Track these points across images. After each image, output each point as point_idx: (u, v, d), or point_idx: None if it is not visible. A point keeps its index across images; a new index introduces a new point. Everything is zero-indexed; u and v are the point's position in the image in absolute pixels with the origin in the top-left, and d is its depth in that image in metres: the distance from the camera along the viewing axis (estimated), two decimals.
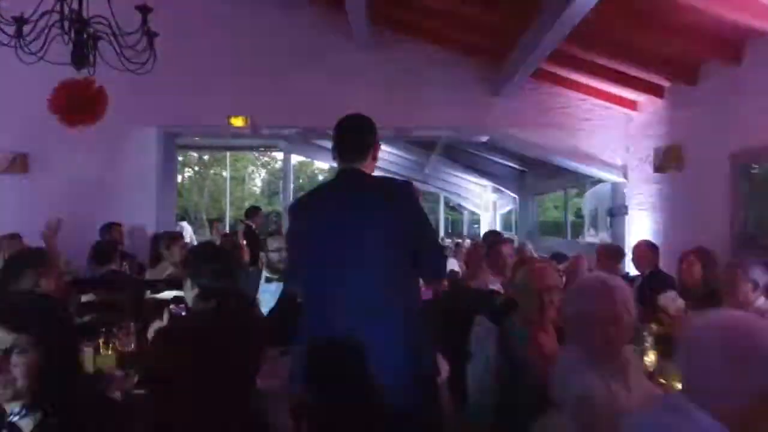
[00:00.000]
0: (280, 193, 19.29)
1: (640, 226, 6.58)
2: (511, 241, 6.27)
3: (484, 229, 17.44)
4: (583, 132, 6.92)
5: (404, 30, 6.80)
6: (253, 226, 7.48)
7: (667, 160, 5.66)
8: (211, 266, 2.27)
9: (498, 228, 16.80)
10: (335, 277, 2.15)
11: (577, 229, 16.59)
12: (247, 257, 5.93)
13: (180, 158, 23.69)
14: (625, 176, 6.91)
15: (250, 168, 28.48)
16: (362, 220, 2.15)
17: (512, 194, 13.28)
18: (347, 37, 6.57)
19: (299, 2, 6.91)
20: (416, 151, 13.12)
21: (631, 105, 6.62)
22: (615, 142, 6.91)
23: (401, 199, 2.22)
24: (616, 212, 7.14)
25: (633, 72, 5.91)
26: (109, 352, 2.77)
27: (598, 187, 9.38)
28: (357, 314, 2.08)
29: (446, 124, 6.93)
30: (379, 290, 2.12)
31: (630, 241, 6.88)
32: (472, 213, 18.70)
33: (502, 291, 3.94)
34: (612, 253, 5.30)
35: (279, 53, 6.86)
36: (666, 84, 5.85)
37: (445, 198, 18.71)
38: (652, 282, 4.63)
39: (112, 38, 3.93)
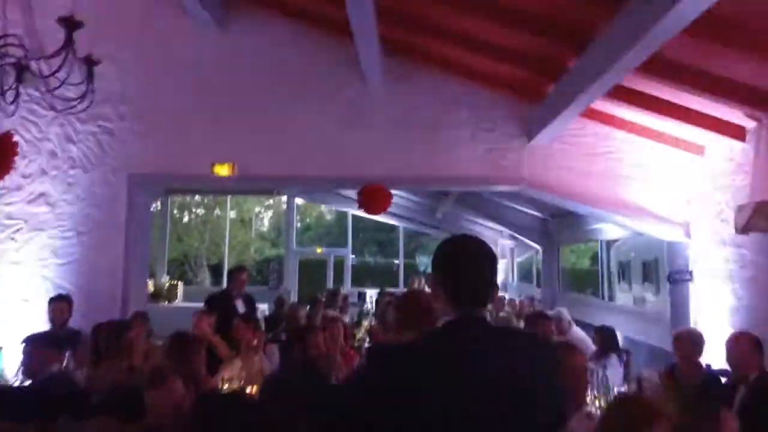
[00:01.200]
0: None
1: (711, 297, 5.35)
2: (550, 318, 5.04)
3: (500, 278, 16.19)
4: (636, 181, 5.77)
5: (422, 59, 5.75)
6: (234, 293, 5.88)
7: (757, 218, 4.47)
8: None
9: (515, 278, 15.54)
10: None
11: (594, 278, 15.34)
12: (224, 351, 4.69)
13: (179, 200, 22.77)
14: (688, 235, 5.72)
15: (257, 209, 27.43)
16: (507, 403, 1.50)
17: (534, 245, 12.08)
18: (354, 70, 5.54)
19: (298, 30, 5.90)
20: (427, 194, 12.03)
21: (697, 150, 5.48)
22: (675, 194, 5.75)
23: (553, 370, 1.64)
24: (677, 277, 5.92)
25: (706, 109, 4.78)
26: None
27: (631, 235, 8.22)
28: None
29: (470, 174, 5.79)
30: None
31: (695, 315, 5.68)
32: None
33: None
34: (697, 342, 4.13)
35: (272, 90, 5.83)
36: (750, 124, 4.71)
37: None
38: (760, 391, 3.44)
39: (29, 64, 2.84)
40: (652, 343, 7.02)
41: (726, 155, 5.08)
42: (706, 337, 4.30)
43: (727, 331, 5.10)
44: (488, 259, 1.61)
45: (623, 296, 11.32)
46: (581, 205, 6.02)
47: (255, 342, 4.87)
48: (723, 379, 4.09)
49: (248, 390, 4.37)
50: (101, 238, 5.79)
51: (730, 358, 3.75)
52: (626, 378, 6.02)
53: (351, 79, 5.79)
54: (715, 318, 5.24)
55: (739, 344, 3.68)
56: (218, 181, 5.72)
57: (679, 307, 5.91)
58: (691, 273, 5.72)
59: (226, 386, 4.35)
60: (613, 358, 5.81)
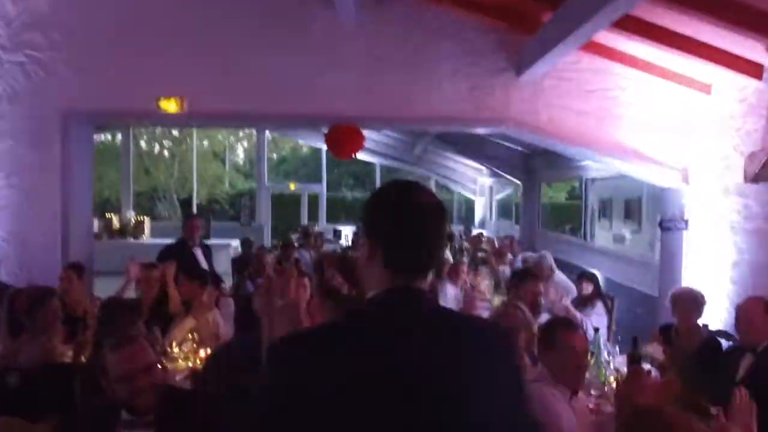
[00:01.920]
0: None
1: (708, 249, 4.97)
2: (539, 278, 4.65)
3: (478, 216, 15.85)
4: (632, 122, 5.25)
5: None
6: (190, 243, 5.30)
7: None
8: None
9: (494, 215, 15.21)
10: None
11: (573, 214, 15.12)
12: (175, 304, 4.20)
13: (147, 131, 21.68)
14: (686, 181, 5.26)
15: (231, 140, 26.39)
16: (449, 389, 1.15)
17: (515, 180, 11.64)
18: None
19: None
20: (405, 130, 11.40)
21: (704, 88, 4.93)
22: (674, 137, 5.24)
23: (505, 358, 1.28)
24: (670, 225, 5.51)
25: (718, 42, 4.20)
26: None
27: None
28: None
29: (452, 113, 5.18)
30: None
31: (688, 265, 5.32)
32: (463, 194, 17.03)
33: None
34: (698, 303, 3.76)
35: (228, 17, 5.11)
36: None
37: (435, 181, 17.05)
38: None
39: None
40: (635, 287, 6.73)
41: (737, 95, 4.54)
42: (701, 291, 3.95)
43: (725, 286, 4.77)
44: (434, 213, 1.23)
45: (603, 234, 11.08)
46: (572, 148, 5.50)
47: (205, 298, 4.40)
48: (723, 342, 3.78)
49: (201, 353, 3.96)
50: (35, 181, 5.15)
51: (740, 322, 3.39)
52: (610, 325, 5.77)
53: (320, 8, 5.05)
54: (711, 271, 4.87)
55: (752, 309, 3.30)
56: (165, 118, 5.04)
57: (670, 257, 5.55)
58: (686, 222, 5.31)
59: (176, 350, 3.95)
60: (598, 306, 5.53)
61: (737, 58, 4.32)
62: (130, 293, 4.61)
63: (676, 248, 5.47)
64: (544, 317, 3.73)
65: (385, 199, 1.26)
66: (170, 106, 4.86)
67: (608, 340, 5.68)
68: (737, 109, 4.54)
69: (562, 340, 2.60)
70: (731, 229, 4.65)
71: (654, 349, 3.58)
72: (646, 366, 3.72)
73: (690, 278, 5.25)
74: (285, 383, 1.14)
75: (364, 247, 1.24)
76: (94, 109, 5.19)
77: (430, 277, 1.26)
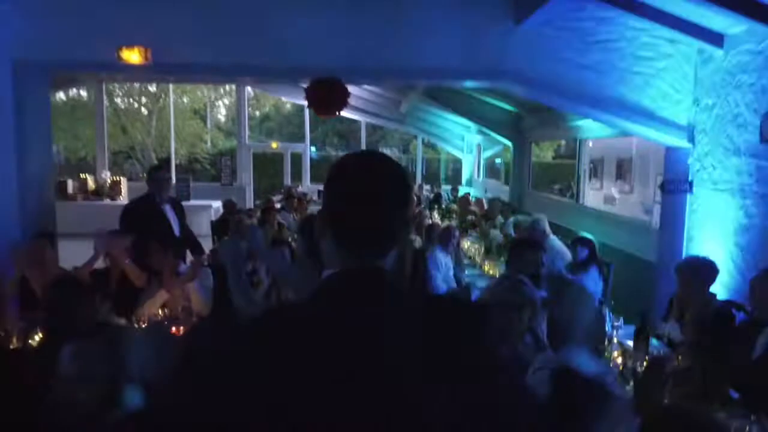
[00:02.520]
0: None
1: (714, 213, 4.69)
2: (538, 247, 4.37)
3: (466, 175, 15.51)
4: (637, 75, 4.88)
5: None
6: (158, 199, 4.85)
7: None
8: None
9: (482, 174, 14.85)
10: None
11: (563, 174, 14.81)
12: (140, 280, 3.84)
13: (125, 87, 20.86)
14: (692, 140, 4.94)
15: (213, 97, 25.57)
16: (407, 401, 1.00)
17: (505, 140, 11.26)
18: None
19: None
20: (391, 86, 10.91)
21: (715, 39, 4.55)
22: (681, 92, 4.89)
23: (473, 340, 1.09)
24: (672, 188, 5.22)
25: None
26: None
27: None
28: None
29: (442, 65, 4.77)
30: None
31: (691, 229, 5.05)
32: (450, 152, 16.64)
33: None
34: (710, 274, 3.50)
35: None
36: None
37: (422, 139, 16.64)
38: None
39: None
40: (630, 251, 6.46)
41: (754, 47, 4.17)
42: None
43: (731, 251, 4.51)
44: (394, 187, 1.12)
45: (594, 194, 10.83)
46: (571, 104, 5.14)
47: (181, 270, 4.07)
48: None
49: (172, 330, 3.64)
50: None
51: (756, 297, 3.13)
52: (605, 292, 5.54)
53: None
54: (717, 236, 4.60)
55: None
56: (128, 70, 4.58)
57: (671, 220, 5.27)
58: (690, 184, 5.02)
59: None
60: (592, 271, 5.30)
61: (755, 4, 3.93)
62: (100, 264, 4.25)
63: (678, 212, 5.19)
64: None
65: (339, 172, 1.14)
66: (133, 56, 4.39)
67: (601, 304, 5.48)
68: (753, 62, 4.18)
69: None
70: (740, 192, 4.35)
71: (671, 328, 3.31)
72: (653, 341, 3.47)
73: (691, 244, 5.00)
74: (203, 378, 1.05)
75: (318, 223, 1.16)
76: (50, 60, 4.70)
77: (392, 255, 1.13)
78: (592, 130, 7.80)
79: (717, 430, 1.59)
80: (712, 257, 3.83)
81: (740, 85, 4.31)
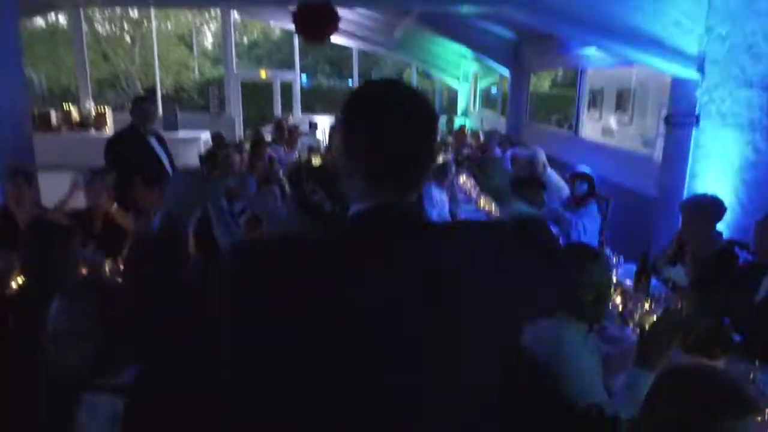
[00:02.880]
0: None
1: (719, 147, 4.52)
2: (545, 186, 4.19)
3: (461, 105, 15.13)
4: (647, 2, 4.58)
5: None
6: (143, 131, 4.66)
7: None
8: None
9: (477, 104, 14.49)
10: None
11: (562, 105, 14.46)
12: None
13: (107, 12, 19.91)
14: (702, 71, 4.70)
15: (198, 22, 24.52)
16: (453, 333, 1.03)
17: (502, 69, 10.88)
18: None
19: None
20: (385, 10, 10.41)
21: None
22: (690, 19, 4.60)
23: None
24: (678, 121, 5.01)
25: None
26: None
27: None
28: None
29: None
30: None
31: (695, 164, 4.89)
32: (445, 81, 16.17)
33: None
34: (717, 213, 3.37)
35: None
36: None
37: (416, 68, 16.12)
38: None
39: None
40: (630, 186, 6.33)
41: None
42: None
43: (737, 189, 4.38)
44: (427, 116, 1.09)
45: (592, 126, 10.60)
46: (577, 31, 4.85)
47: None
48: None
49: None
50: None
51: (761, 239, 3.01)
52: (603, 228, 5.46)
53: None
54: (722, 172, 4.46)
55: None
56: None
57: (675, 155, 5.10)
58: (697, 117, 4.81)
59: None
60: (591, 206, 5.20)
61: None
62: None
63: (683, 146, 5.01)
64: None
65: (367, 104, 1.08)
66: None
67: (600, 243, 5.40)
68: None
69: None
70: (750, 126, 4.17)
71: (676, 273, 3.20)
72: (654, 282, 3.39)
73: (695, 180, 4.86)
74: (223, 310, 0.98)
75: (343, 159, 1.09)
76: None
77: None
78: (595, 59, 7.49)
79: (734, 391, 1.49)
80: (717, 194, 3.70)
81: (757, 12, 4.03)
